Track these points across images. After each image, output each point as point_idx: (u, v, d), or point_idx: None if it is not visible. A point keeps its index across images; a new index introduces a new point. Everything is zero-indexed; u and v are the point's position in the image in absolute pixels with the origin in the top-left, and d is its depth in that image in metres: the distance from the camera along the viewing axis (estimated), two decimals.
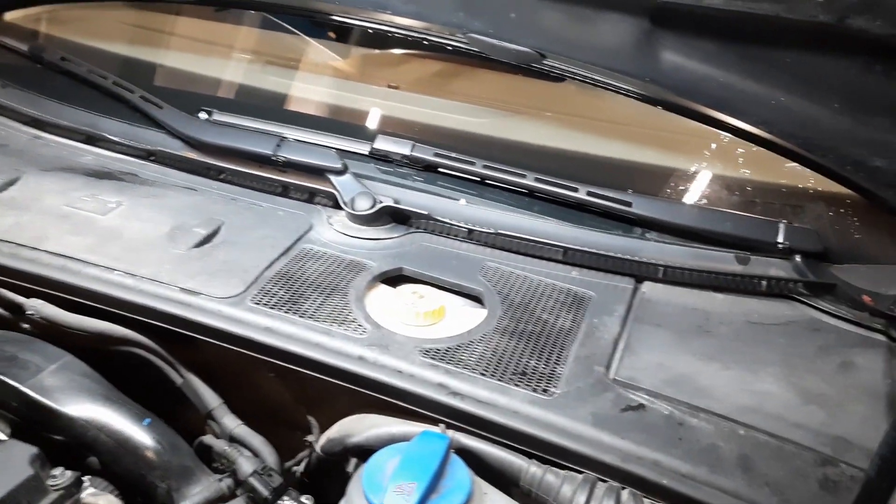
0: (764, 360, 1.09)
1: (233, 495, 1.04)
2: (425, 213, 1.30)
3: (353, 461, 1.06)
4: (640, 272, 1.24)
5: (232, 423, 1.13)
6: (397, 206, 1.31)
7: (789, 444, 0.96)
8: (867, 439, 0.96)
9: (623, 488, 0.92)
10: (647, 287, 1.23)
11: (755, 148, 1.23)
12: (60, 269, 1.15)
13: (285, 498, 1.03)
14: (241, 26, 1.81)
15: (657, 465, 0.92)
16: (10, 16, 1.73)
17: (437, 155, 1.36)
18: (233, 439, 1.12)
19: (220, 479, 1.05)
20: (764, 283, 1.22)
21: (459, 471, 0.90)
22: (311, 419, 1.15)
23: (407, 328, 1.11)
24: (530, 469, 0.94)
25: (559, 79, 1.30)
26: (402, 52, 1.66)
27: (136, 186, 1.38)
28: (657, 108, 1.25)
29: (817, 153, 1.16)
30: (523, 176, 1.31)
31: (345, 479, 1.00)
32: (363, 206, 1.30)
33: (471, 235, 1.30)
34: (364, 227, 1.30)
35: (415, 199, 1.33)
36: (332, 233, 1.30)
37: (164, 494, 1.03)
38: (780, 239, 1.22)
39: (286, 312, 1.10)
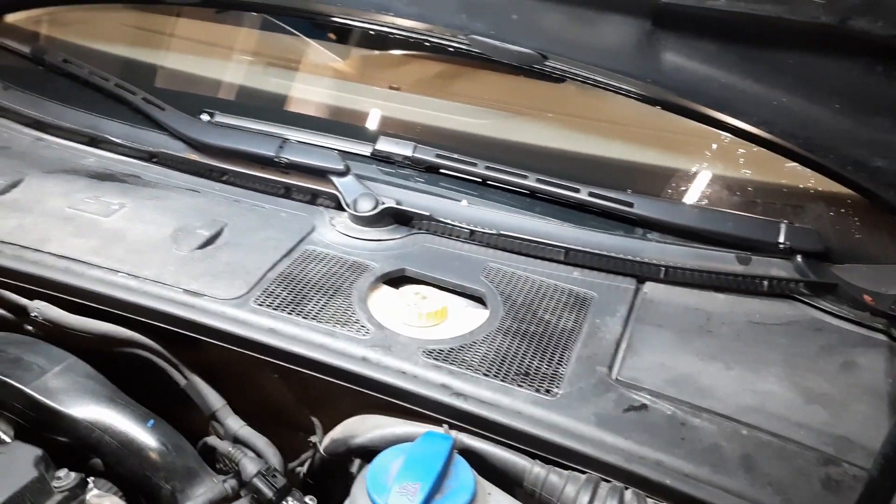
0: (766, 360, 1.10)
1: (237, 496, 1.05)
2: (427, 214, 1.31)
3: (357, 462, 1.07)
4: (641, 272, 1.24)
5: (235, 424, 1.14)
6: (399, 207, 1.31)
7: (792, 443, 0.96)
8: (869, 439, 0.96)
9: (626, 488, 0.92)
10: (649, 287, 1.23)
11: (756, 148, 1.23)
12: (64, 270, 1.15)
13: (289, 499, 1.03)
14: (243, 28, 1.81)
15: (660, 465, 0.92)
16: (11, 17, 1.73)
17: (438, 156, 1.36)
18: (236, 440, 1.12)
19: (224, 481, 1.05)
20: (765, 283, 1.22)
21: (463, 471, 0.91)
22: (315, 420, 1.15)
23: (410, 329, 1.12)
24: (534, 469, 0.95)
25: (560, 80, 1.30)
26: (404, 54, 1.66)
27: (138, 188, 1.38)
28: (658, 108, 1.25)
29: (818, 153, 1.16)
30: (525, 177, 1.32)
31: (348, 479, 1.00)
32: (365, 207, 1.31)
33: (473, 236, 1.30)
34: (366, 229, 1.31)
35: (417, 200, 1.33)
36: (334, 234, 1.30)
37: (169, 495, 1.03)
38: (782, 239, 1.22)
39: (289, 314, 1.10)
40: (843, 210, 1.26)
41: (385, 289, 1.21)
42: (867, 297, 1.15)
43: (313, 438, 1.15)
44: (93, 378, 1.10)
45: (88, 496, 0.98)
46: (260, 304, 1.11)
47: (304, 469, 1.17)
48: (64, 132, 1.52)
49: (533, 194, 1.33)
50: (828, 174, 1.19)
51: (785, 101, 1.13)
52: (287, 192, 1.40)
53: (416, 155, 1.37)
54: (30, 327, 1.20)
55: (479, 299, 1.20)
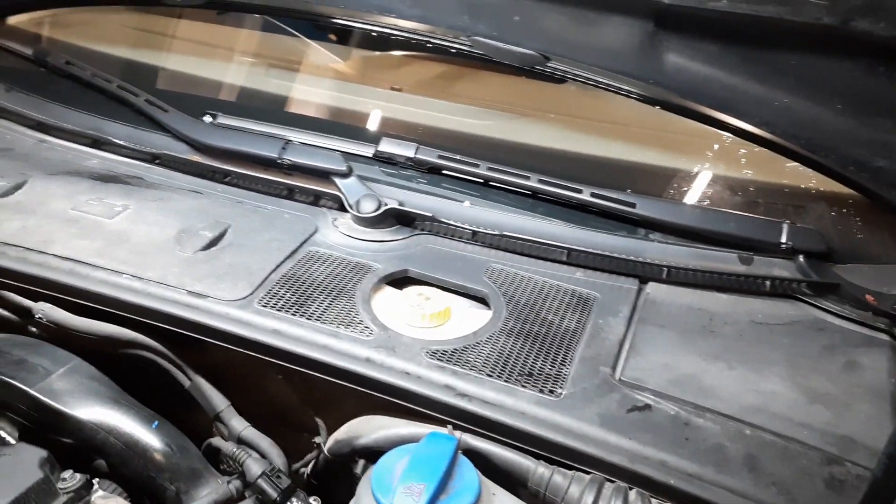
0: (769, 360, 1.10)
1: (241, 497, 1.05)
2: (430, 215, 1.31)
3: (361, 463, 1.07)
4: (644, 273, 1.25)
5: (240, 425, 1.14)
6: (402, 208, 1.31)
7: (795, 443, 0.96)
8: (873, 438, 0.97)
9: (630, 488, 0.92)
10: (652, 288, 1.24)
11: (758, 149, 1.23)
12: (68, 272, 1.16)
13: (293, 500, 1.03)
14: (244, 30, 1.82)
15: (664, 465, 0.93)
16: (14, 20, 1.73)
17: (441, 157, 1.36)
18: (241, 441, 1.12)
19: (229, 482, 1.05)
20: (768, 283, 1.22)
21: (468, 472, 0.91)
22: (319, 421, 1.15)
23: (413, 330, 1.12)
24: (538, 470, 0.95)
25: (562, 81, 1.30)
26: (406, 55, 1.66)
27: (142, 190, 1.38)
28: (660, 109, 1.25)
29: (820, 154, 1.16)
30: (527, 178, 1.32)
31: (352, 480, 1.01)
32: (368, 208, 1.31)
33: (475, 237, 1.30)
34: (369, 230, 1.31)
35: (419, 201, 1.33)
36: (337, 235, 1.30)
37: (173, 497, 1.03)
38: (784, 239, 1.22)
39: (293, 315, 1.10)
40: (844, 210, 1.26)
41: (388, 290, 1.21)
42: (869, 297, 1.16)
43: (317, 439, 1.15)
44: (97, 380, 1.10)
45: (93, 497, 0.99)
46: (264, 306, 1.12)
47: (308, 470, 1.18)
48: (67, 134, 1.52)
49: (535, 195, 1.33)
50: (830, 174, 1.20)
51: (787, 101, 1.14)
52: (290, 194, 1.40)
53: (419, 156, 1.37)
54: (34, 329, 1.20)
55: (482, 300, 1.20)
